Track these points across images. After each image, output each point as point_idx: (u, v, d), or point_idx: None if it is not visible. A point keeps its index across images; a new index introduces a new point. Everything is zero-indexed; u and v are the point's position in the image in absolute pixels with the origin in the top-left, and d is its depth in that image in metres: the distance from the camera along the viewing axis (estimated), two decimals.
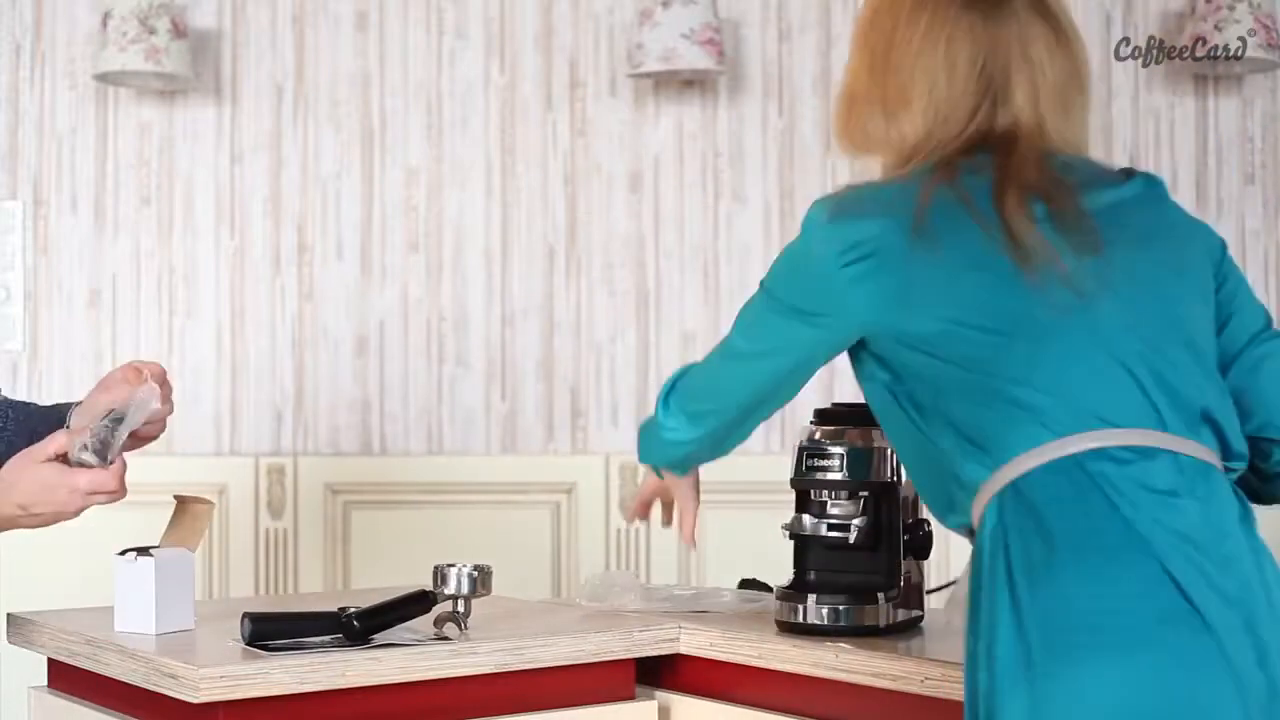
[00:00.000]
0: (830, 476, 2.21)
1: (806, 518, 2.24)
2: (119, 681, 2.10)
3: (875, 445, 2.21)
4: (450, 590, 2.22)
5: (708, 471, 3.91)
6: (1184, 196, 3.88)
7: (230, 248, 3.87)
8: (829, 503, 2.23)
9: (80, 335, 3.85)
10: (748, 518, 3.74)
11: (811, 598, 2.20)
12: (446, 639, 2.16)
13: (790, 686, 2.18)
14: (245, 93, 3.88)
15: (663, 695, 2.33)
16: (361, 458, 3.85)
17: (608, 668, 2.27)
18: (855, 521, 2.20)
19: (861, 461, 2.21)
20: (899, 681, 2.02)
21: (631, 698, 2.30)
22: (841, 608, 2.19)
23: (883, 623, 2.19)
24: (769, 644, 2.20)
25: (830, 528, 2.22)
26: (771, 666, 2.19)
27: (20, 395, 3.84)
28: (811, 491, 2.24)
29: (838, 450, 2.21)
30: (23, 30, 3.87)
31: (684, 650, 2.31)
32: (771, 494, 3.73)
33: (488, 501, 3.84)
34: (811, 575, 2.27)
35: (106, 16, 3.66)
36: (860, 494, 2.21)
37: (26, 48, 3.87)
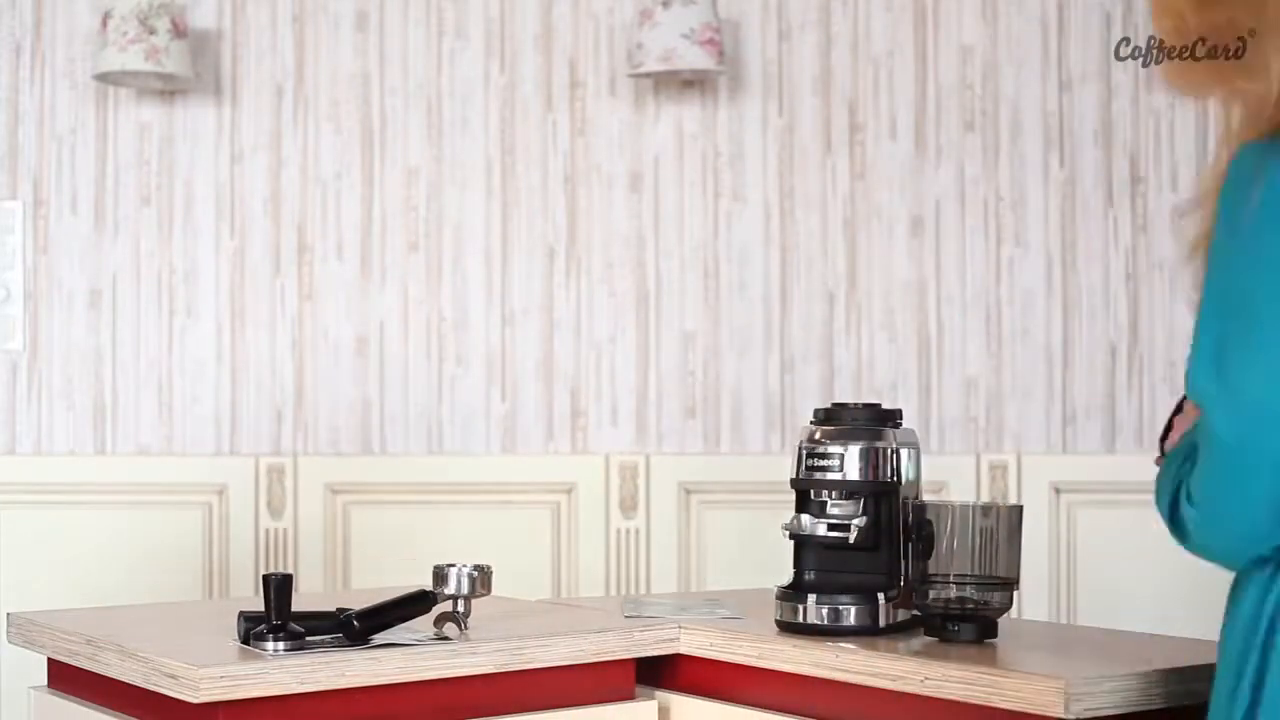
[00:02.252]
0: (830, 476, 2.22)
1: (806, 518, 2.24)
2: (119, 681, 2.09)
3: (876, 445, 2.21)
4: (450, 590, 2.22)
5: (707, 472, 3.92)
6: (1184, 196, 3.88)
7: (230, 248, 3.87)
8: (829, 503, 2.23)
9: (80, 335, 3.85)
10: (748, 518, 3.74)
11: (812, 598, 2.21)
12: (446, 639, 2.16)
13: (790, 686, 2.18)
14: (245, 93, 3.88)
15: (663, 695, 2.33)
16: (361, 458, 3.86)
17: (607, 668, 2.27)
18: (855, 521, 2.20)
19: (862, 461, 2.21)
20: (899, 681, 2.02)
21: (631, 698, 2.30)
22: (842, 608, 2.19)
23: (883, 623, 2.19)
24: (769, 644, 2.20)
25: (830, 528, 2.22)
26: (771, 666, 2.19)
27: (20, 395, 3.84)
28: (811, 491, 2.25)
29: (837, 450, 2.21)
30: (23, 30, 3.87)
31: (684, 650, 2.31)
32: (771, 494, 3.74)
33: (488, 501, 3.84)
34: (811, 575, 2.27)
35: (106, 16, 3.66)
36: (860, 494, 2.21)
37: (26, 48, 3.87)
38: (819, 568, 2.27)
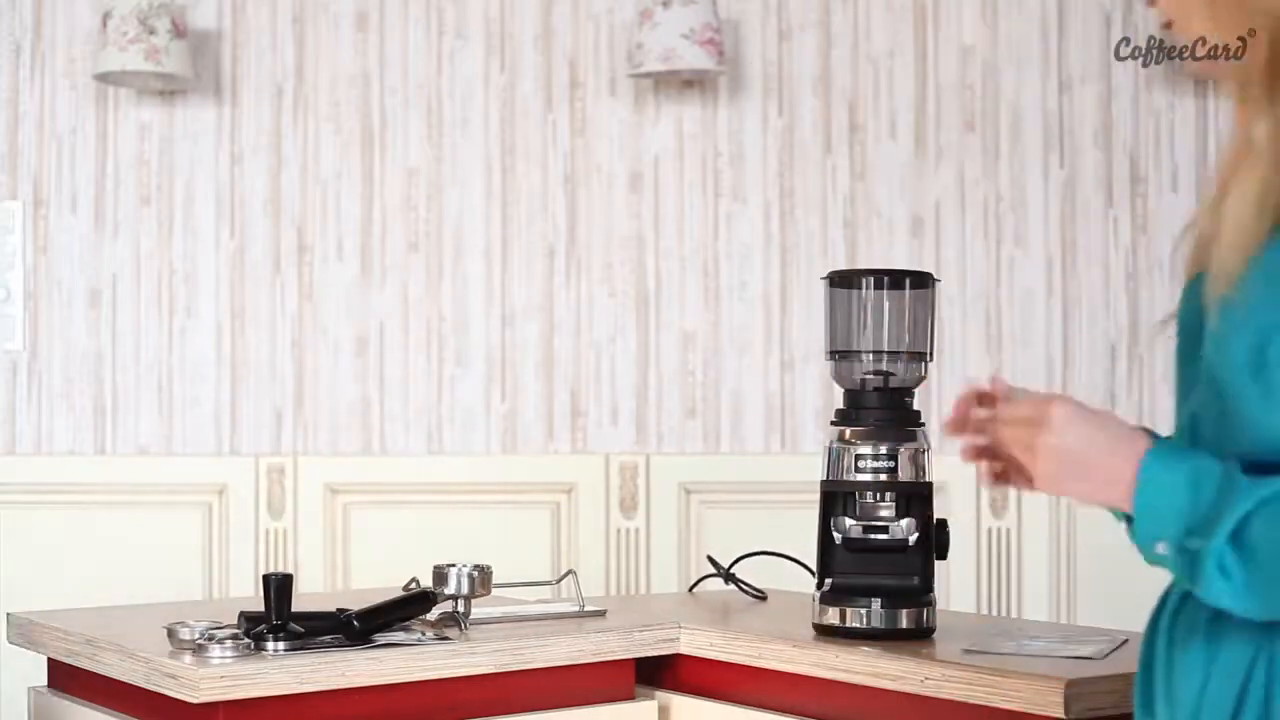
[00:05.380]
0: (883, 478, 2.18)
1: (907, 521, 2.17)
2: (119, 681, 2.10)
3: (917, 447, 2.20)
4: (450, 590, 2.22)
5: (707, 472, 3.92)
6: (1184, 197, 3.88)
7: (230, 248, 3.87)
8: (877, 505, 2.19)
9: (80, 335, 3.85)
10: (748, 518, 3.74)
11: (876, 602, 2.17)
12: (446, 639, 2.16)
13: (790, 686, 2.18)
14: (245, 93, 3.88)
15: (663, 695, 2.33)
16: (361, 458, 3.85)
17: (607, 668, 2.27)
18: (903, 523, 2.18)
19: (909, 462, 2.19)
20: (899, 681, 2.02)
21: (631, 698, 2.30)
22: (902, 611, 2.17)
23: (931, 624, 2.18)
24: (769, 644, 2.20)
25: (880, 530, 2.18)
26: (771, 666, 2.19)
27: (20, 395, 3.84)
28: (857, 493, 2.20)
29: (887, 450, 2.19)
30: (23, 30, 3.87)
31: (684, 650, 2.31)
32: (771, 494, 3.74)
33: (488, 501, 3.84)
34: (867, 579, 2.21)
35: (106, 16, 3.66)
36: (906, 495, 2.19)
37: (26, 48, 3.87)
38: (868, 571, 2.19)
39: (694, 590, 2.76)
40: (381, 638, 2.12)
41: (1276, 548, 1.38)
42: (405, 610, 2.20)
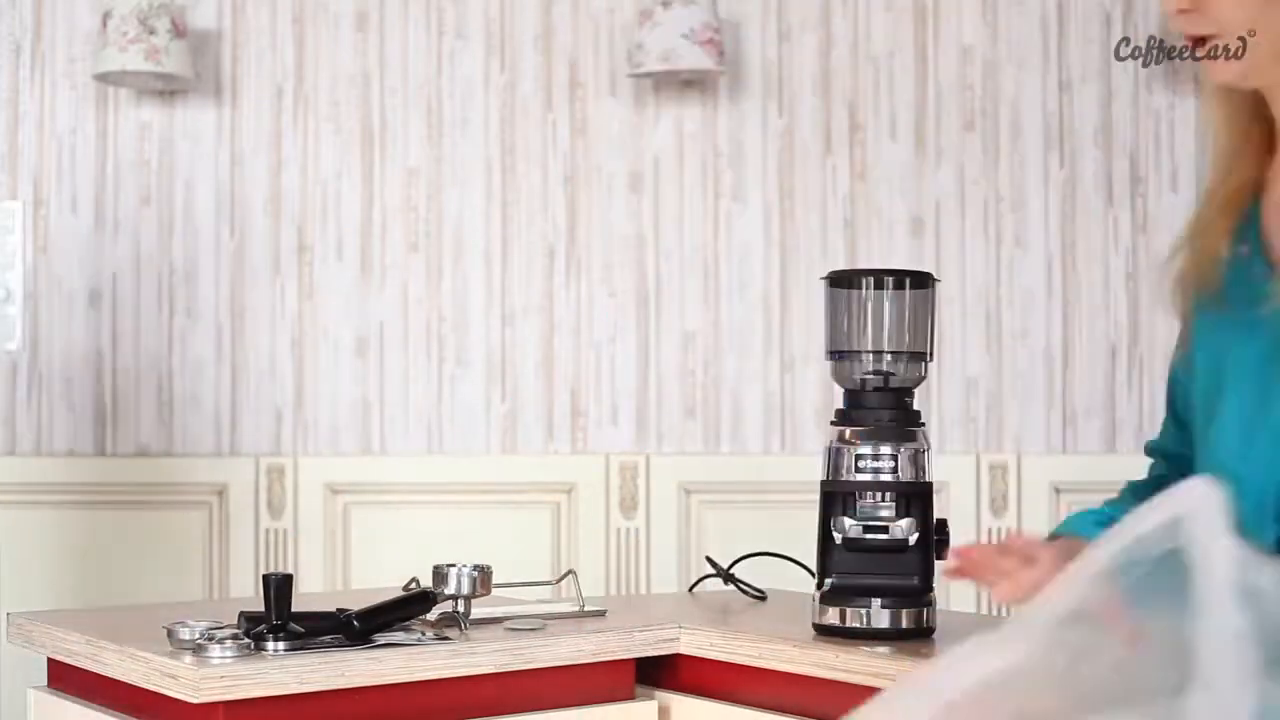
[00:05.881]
0: (883, 478, 2.19)
1: (906, 521, 2.18)
2: (119, 681, 2.09)
3: (917, 447, 2.20)
4: (450, 590, 2.22)
5: (707, 472, 3.92)
6: (1184, 197, 3.88)
7: (230, 248, 3.87)
8: (877, 505, 2.19)
9: (80, 335, 3.85)
10: (748, 518, 3.74)
11: (876, 602, 2.17)
12: (446, 639, 2.16)
13: (790, 686, 2.18)
14: (245, 93, 3.89)
15: (663, 695, 2.33)
16: (361, 458, 3.86)
17: (607, 668, 2.27)
18: (903, 523, 2.18)
19: (909, 462, 2.19)
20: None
21: (631, 698, 2.30)
22: (902, 611, 2.17)
23: (931, 624, 2.18)
24: (769, 644, 2.20)
25: (880, 530, 2.18)
26: (771, 666, 2.19)
27: (20, 395, 3.84)
28: (857, 493, 2.20)
29: (887, 451, 2.19)
30: (23, 30, 3.87)
31: (684, 650, 2.31)
32: (771, 494, 3.74)
33: (488, 501, 3.84)
34: (867, 580, 2.20)
35: (106, 16, 3.66)
36: (906, 495, 2.19)
37: (26, 48, 3.87)
38: (867, 571, 2.19)
39: (694, 590, 2.76)
40: (381, 638, 2.12)
41: None
42: (405, 610, 2.19)
